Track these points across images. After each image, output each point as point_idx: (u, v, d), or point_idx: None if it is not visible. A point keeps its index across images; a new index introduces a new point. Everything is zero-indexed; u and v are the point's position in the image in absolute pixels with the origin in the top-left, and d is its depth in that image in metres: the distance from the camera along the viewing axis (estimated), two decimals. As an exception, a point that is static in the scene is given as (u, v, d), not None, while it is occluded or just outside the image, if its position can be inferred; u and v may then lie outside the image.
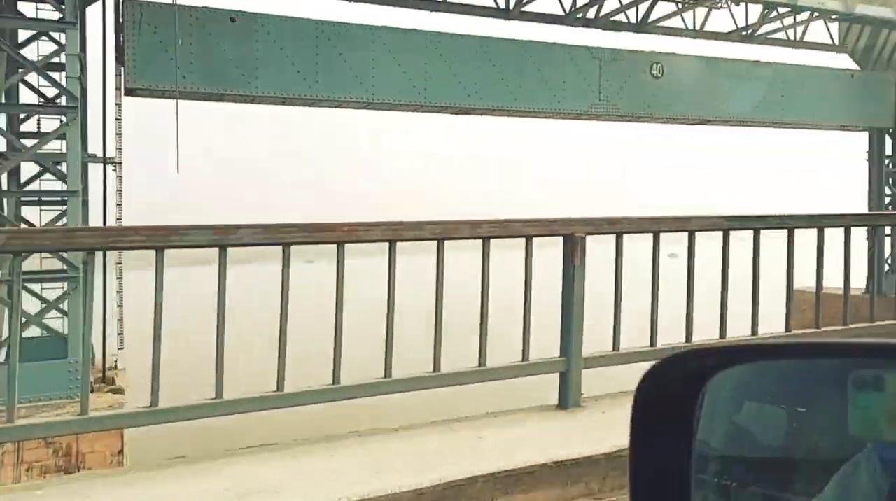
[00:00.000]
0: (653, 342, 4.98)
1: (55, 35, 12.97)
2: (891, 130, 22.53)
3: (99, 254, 8.83)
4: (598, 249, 5.17)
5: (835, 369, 1.12)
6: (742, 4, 19.79)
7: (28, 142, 12.72)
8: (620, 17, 19.34)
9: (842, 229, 5.72)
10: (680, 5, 19.46)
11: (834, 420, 1.09)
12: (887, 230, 21.53)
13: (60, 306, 12.37)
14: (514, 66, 16.84)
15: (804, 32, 21.76)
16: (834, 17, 21.29)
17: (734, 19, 20.68)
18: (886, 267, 22.57)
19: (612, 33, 19.44)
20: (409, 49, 15.65)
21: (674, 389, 1.16)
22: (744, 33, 20.74)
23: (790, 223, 5.47)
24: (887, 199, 22.92)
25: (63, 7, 12.29)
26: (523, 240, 4.61)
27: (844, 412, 1.06)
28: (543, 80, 17.15)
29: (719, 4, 19.58)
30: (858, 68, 22.31)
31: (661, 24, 19.71)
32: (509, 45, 16.88)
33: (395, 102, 15.88)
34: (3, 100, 13.09)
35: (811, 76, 20.82)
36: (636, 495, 1.15)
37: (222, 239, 3.83)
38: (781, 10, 20.73)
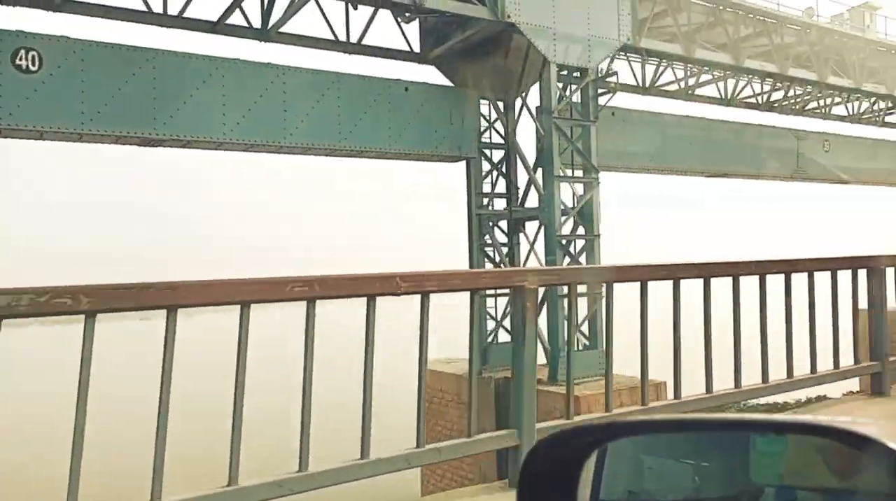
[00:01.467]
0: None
1: None
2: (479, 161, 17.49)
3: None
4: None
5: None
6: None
7: None
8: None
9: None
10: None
11: (736, 468, 1.17)
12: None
13: None
14: None
15: (364, 33, 16.59)
16: (408, 14, 16.32)
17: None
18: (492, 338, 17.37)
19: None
20: None
21: (557, 466, 1.17)
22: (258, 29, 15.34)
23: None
24: (492, 252, 17.73)
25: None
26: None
27: (746, 460, 1.15)
28: None
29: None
30: (450, 83, 17.35)
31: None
32: None
33: None
34: None
35: (349, 88, 15.64)
36: None
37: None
38: None
